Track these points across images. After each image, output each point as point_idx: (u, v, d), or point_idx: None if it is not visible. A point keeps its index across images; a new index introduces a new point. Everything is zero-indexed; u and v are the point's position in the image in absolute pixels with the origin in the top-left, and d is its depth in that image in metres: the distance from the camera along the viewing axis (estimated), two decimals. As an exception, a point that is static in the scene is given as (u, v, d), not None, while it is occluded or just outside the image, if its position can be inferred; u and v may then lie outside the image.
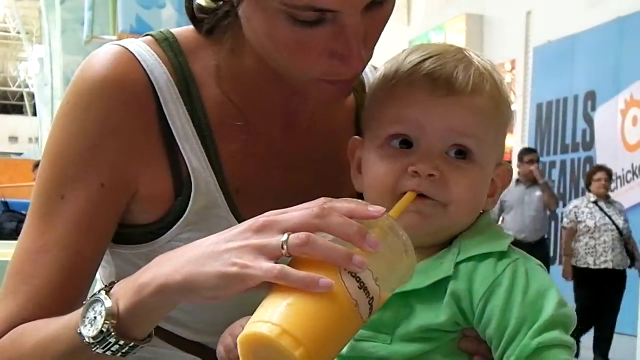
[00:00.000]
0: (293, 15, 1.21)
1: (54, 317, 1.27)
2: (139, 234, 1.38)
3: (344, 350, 1.24)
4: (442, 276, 1.21)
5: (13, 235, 9.37)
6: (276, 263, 1.06)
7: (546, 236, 10.49)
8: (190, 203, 1.36)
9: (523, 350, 1.14)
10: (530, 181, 9.96)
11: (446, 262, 1.22)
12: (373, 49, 1.30)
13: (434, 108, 1.26)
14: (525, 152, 10.40)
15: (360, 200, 1.14)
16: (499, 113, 1.31)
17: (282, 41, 1.25)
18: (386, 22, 1.30)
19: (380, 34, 1.31)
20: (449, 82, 1.27)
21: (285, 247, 1.06)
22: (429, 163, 1.24)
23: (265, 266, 1.05)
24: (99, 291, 1.19)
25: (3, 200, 11.57)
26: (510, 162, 16.38)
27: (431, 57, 1.29)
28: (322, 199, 1.11)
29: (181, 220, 1.36)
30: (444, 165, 1.24)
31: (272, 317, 1.02)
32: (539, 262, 1.24)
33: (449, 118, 1.26)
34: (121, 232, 1.39)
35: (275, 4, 1.20)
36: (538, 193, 9.85)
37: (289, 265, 1.06)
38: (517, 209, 9.86)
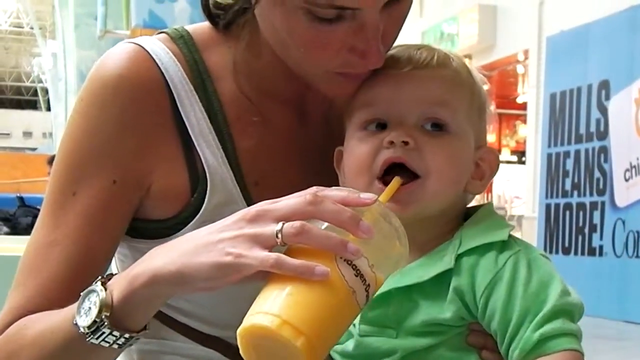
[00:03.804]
0: (313, 11, 1.22)
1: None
2: (156, 229, 1.39)
3: (350, 347, 1.25)
4: (443, 269, 1.21)
5: (28, 229, 9.37)
6: (270, 252, 1.06)
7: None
8: (206, 199, 1.37)
9: (526, 342, 1.15)
10: None
11: (447, 255, 1.23)
12: (392, 44, 1.32)
13: (400, 83, 1.28)
14: None
15: (351, 189, 1.14)
16: (469, 86, 1.32)
17: (301, 37, 1.26)
18: (404, 18, 1.32)
19: (399, 30, 1.32)
20: (413, 59, 1.29)
21: (279, 235, 1.07)
22: (402, 132, 1.24)
23: (260, 255, 1.06)
24: (95, 282, 1.20)
25: (18, 195, 11.59)
26: (524, 152, 16.37)
27: (397, 47, 1.33)
28: (314, 188, 1.12)
29: (197, 216, 1.37)
30: (418, 136, 1.25)
31: (271, 308, 1.02)
32: (542, 252, 1.24)
33: (416, 90, 1.27)
34: (138, 226, 1.40)
35: (296, 1, 1.22)
36: None
37: (283, 254, 1.06)
38: None
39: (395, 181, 1.22)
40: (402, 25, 1.32)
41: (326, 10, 1.22)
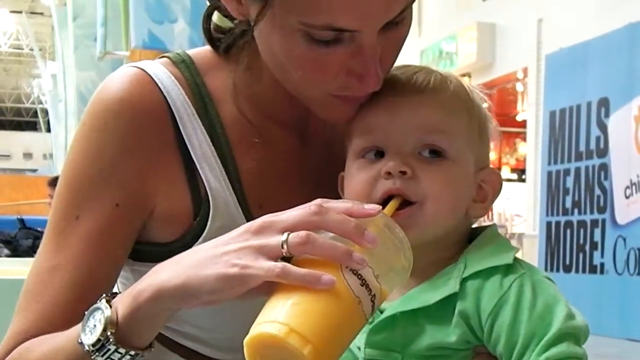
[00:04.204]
0: (310, 34, 1.22)
1: None
2: (159, 252, 1.38)
3: None
4: (448, 293, 1.21)
5: (29, 252, 9.37)
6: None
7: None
8: (209, 222, 1.37)
9: None
10: None
11: (452, 278, 1.22)
12: (390, 68, 1.32)
13: (396, 110, 1.27)
14: None
15: (355, 200, 1.15)
16: (467, 110, 1.31)
17: (298, 59, 1.26)
18: (402, 41, 1.32)
19: (397, 53, 1.32)
20: (408, 84, 1.29)
21: (285, 246, 1.07)
22: (400, 161, 1.24)
23: (266, 265, 1.06)
24: (100, 300, 1.20)
25: (19, 217, 11.57)
26: (524, 170, 16.39)
27: (395, 68, 1.32)
28: (319, 200, 1.12)
29: (200, 239, 1.37)
30: (415, 164, 1.25)
31: (278, 316, 1.02)
32: (546, 275, 1.24)
33: (412, 117, 1.27)
34: (141, 250, 1.40)
35: (293, 23, 1.22)
36: None
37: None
38: None
39: (394, 201, 1.22)
40: (400, 49, 1.32)
41: (323, 33, 1.22)
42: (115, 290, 1.45)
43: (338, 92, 1.30)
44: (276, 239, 1.08)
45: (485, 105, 1.36)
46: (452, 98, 1.29)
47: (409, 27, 1.31)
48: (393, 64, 1.32)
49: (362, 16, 1.21)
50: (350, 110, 1.33)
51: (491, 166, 1.37)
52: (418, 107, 1.27)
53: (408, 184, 1.24)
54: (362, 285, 1.07)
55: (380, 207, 1.14)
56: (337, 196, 1.33)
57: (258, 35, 1.32)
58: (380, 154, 1.27)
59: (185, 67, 1.43)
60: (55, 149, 19.90)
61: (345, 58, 1.25)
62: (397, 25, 1.27)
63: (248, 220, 1.36)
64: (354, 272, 1.07)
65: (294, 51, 1.26)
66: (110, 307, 1.18)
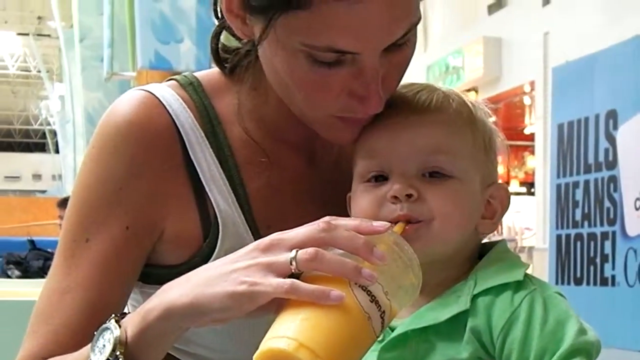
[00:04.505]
0: (312, 55, 1.23)
1: None
2: (168, 275, 1.36)
3: None
4: (459, 310, 1.21)
5: (40, 273, 9.40)
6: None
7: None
8: (218, 245, 1.38)
9: None
10: None
11: (463, 296, 1.22)
12: (394, 89, 1.32)
13: (398, 132, 1.27)
14: None
15: (363, 218, 1.14)
16: (471, 128, 1.30)
17: (301, 80, 1.26)
18: (407, 63, 1.32)
19: (401, 75, 1.32)
20: (411, 104, 1.29)
21: (293, 263, 1.07)
22: (405, 184, 1.24)
23: (275, 282, 1.06)
24: (109, 320, 1.20)
25: (29, 238, 11.59)
26: (533, 183, 16.36)
27: (399, 87, 1.32)
28: (327, 217, 1.13)
29: (209, 261, 1.36)
30: (420, 185, 1.25)
31: (287, 331, 1.02)
32: (558, 290, 1.23)
33: (414, 139, 1.27)
34: (151, 272, 1.41)
35: (295, 44, 1.22)
36: None
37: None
38: None
39: (399, 226, 1.22)
40: (404, 70, 1.32)
41: (325, 54, 1.23)
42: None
43: (340, 113, 1.30)
44: (285, 256, 1.09)
45: (491, 119, 1.36)
46: (455, 117, 1.29)
47: (414, 48, 1.31)
48: (397, 85, 1.32)
49: (363, 38, 1.21)
50: (354, 132, 1.33)
51: (500, 181, 1.37)
52: (420, 127, 1.27)
53: (415, 207, 1.24)
54: (371, 302, 1.07)
55: (389, 224, 1.14)
56: (346, 216, 1.33)
57: (262, 55, 1.32)
58: (385, 177, 1.28)
59: (193, 90, 1.44)
60: (64, 169, 19.95)
61: (347, 80, 1.25)
62: (401, 47, 1.27)
63: None
64: (363, 288, 1.07)
65: (296, 72, 1.26)
66: (120, 327, 1.18)
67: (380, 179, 1.28)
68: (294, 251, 1.08)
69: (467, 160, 1.28)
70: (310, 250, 1.07)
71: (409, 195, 1.24)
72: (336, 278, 1.07)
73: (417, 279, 1.14)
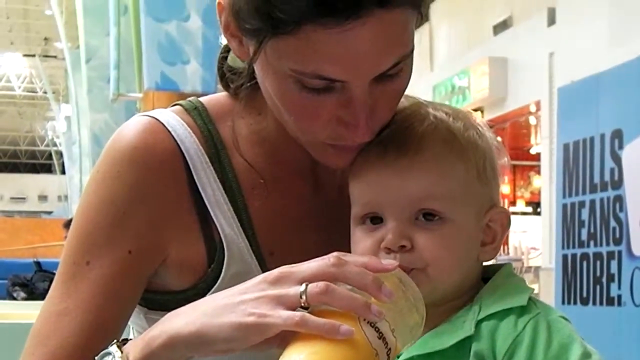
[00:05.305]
0: (302, 81, 1.22)
1: None
2: (173, 301, 1.38)
3: None
4: (464, 336, 1.21)
5: (45, 295, 9.38)
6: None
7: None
8: (224, 270, 1.37)
9: None
10: None
11: (467, 321, 1.22)
12: (385, 119, 1.30)
13: (389, 179, 1.26)
14: None
15: (371, 255, 1.15)
16: (462, 158, 1.28)
17: (290, 104, 1.26)
18: (399, 94, 1.30)
19: (394, 105, 1.30)
20: (399, 141, 1.27)
21: (304, 296, 1.07)
22: (398, 234, 1.23)
23: (284, 314, 1.06)
24: (111, 344, 1.20)
25: (35, 260, 11.60)
26: (539, 203, 16.32)
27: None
28: (335, 253, 1.12)
29: (214, 287, 1.36)
30: (413, 231, 1.24)
31: None
32: (562, 314, 1.23)
33: (405, 185, 1.25)
34: (156, 299, 1.40)
35: (285, 69, 1.22)
36: None
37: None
38: None
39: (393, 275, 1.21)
40: (397, 101, 1.30)
41: (314, 81, 1.22)
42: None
43: (330, 140, 1.29)
44: (294, 289, 1.08)
45: (488, 133, 1.34)
46: (445, 153, 1.27)
47: (408, 79, 1.30)
48: (389, 116, 1.30)
49: (350, 67, 1.20)
50: (345, 158, 1.32)
51: (500, 200, 1.36)
52: (410, 173, 1.25)
53: (407, 257, 1.23)
54: (379, 338, 1.07)
55: (397, 262, 1.14)
56: (349, 242, 1.33)
57: (258, 77, 1.32)
58: (380, 219, 1.27)
59: (197, 115, 1.44)
60: (70, 190, 20.01)
61: (335, 107, 1.25)
62: (392, 77, 1.26)
63: (261, 267, 1.36)
64: (371, 324, 1.07)
65: (287, 96, 1.26)
66: (122, 352, 1.18)
67: (376, 220, 1.27)
68: (303, 285, 1.08)
69: (460, 199, 1.26)
70: (321, 284, 1.07)
71: (402, 246, 1.23)
72: (344, 313, 1.07)
73: (420, 317, 1.14)
